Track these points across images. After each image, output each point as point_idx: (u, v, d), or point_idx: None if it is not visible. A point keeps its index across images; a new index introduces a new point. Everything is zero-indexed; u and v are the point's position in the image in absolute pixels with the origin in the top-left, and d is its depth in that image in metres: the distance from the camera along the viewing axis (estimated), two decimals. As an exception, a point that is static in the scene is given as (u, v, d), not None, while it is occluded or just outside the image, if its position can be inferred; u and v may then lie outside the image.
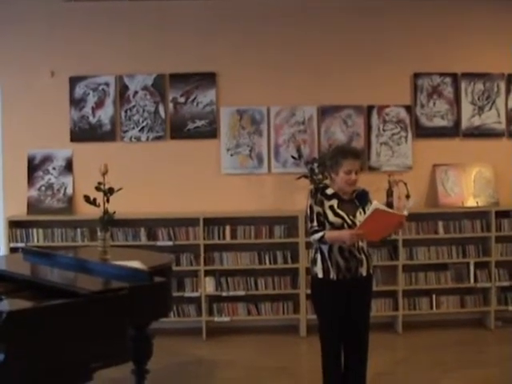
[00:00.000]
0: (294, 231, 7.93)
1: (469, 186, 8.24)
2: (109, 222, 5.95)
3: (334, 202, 5.21)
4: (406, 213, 5.10)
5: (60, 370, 4.09)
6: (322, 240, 5.14)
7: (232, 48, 8.18)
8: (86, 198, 5.91)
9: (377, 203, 5.00)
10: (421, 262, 8.07)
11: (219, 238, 7.91)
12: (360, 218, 5.17)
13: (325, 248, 5.20)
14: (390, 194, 7.91)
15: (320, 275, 5.23)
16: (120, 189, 5.96)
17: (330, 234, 5.12)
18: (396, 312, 8.04)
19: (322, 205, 5.19)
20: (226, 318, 7.96)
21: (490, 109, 8.39)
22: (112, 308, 4.43)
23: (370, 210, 4.92)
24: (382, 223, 4.99)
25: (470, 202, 8.17)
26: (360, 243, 5.24)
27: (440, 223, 8.05)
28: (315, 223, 5.18)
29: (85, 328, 4.23)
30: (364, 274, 5.26)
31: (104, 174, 5.92)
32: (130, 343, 4.68)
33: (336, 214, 5.17)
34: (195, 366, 7.00)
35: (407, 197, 7.82)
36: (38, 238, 7.88)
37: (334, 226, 5.15)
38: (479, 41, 8.31)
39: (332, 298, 5.22)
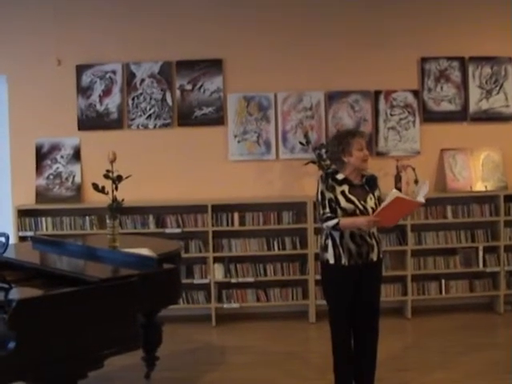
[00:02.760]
0: (303, 217, 7.93)
1: (477, 170, 8.21)
2: (117, 209, 5.96)
3: (345, 188, 5.21)
4: (423, 200, 5.10)
5: (70, 358, 4.12)
6: (336, 227, 5.13)
7: (238, 34, 8.16)
8: (95, 186, 5.93)
9: (396, 191, 5.04)
10: (429, 246, 8.06)
11: (227, 225, 7.91)
12: (371, 203, 5.19)
13: (336, 234, 5.19)
14: (398, 179, 7.91)
15: (331, 261, 5.23)
16: (128, 176, 5.98)
17: (344, 221, 5.10)
18: (405, 297, 8.04)
19: (333, 190, 5.18)
20: (235, 305, 7.97)
21: (498, 92, 8.36)
22: (121, 295, 4.46)
23: (389, 197, 4.91)
24: (398, 210, 5.01)
25: (479, 187, 8.15)
26: (371, 228, 5.24)
27: (448, 208, 8.04)
28: (327, 210, 5.16)
29: (94, 315, 4.27)
30: (374, 259, 5.27)
31: (112, 161, 5.93)
32: (139, 330, 4.70)
33: (348, 200, 5.16)
34: (205, 353, 7.01)
35: (416, 182, 7.81)
36: (46, 226, 7.90)
37: (346, 212, 5.14)
38: (486, 24, 8.26)
39: (343, 283, 5.22)
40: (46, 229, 7.88)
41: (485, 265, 8.09)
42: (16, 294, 4.33)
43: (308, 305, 7.96)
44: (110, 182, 5.96)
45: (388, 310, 7.69)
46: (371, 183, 5.33)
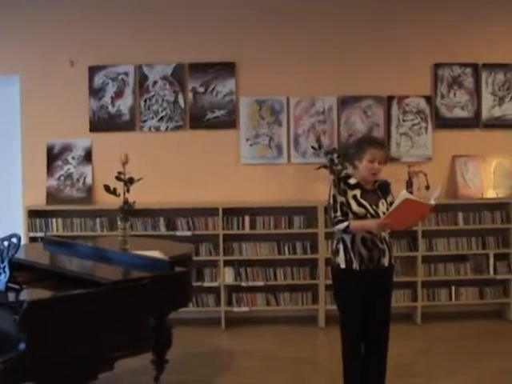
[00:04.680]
0: (314, 221, 7.91)
1: (488, 177, 8.19)
2: (129, 211, 5.95)
3: (357, 192, 5.20)
4: (433, 202, 5.07)
5: (81, 360, 4.11)
6: (346, 230, 5.12)
7: (252, 38, 8.16)
8: (107, 188, 5.90)
9: (406, 192, 4.99)
10: (440, 253, 8.04)
11: (238, 228, 7.90)
12: (382, 208, 5.18)
13: (347, 238, 5.19)
14: (409, 184, 7.88)
15: (342, 266, 5.22)
16: (140, 179, 5.95)
17: (355, 224, 5.10)
18: (415, 303, 8.02)
19: (345, 194, 5.17)
20: (244, 308, 7.97)
21: (511, 99, 8.33)
22: (133, 298, 4.45)
23: (398, 199, 4.89)
24: (409, 213, 4.96)
25: (490, 194, 8.13)
26: (382, 233, 5.23)
27: (460, 214, 8.02)
28: (339, 213, 5.15)
29: (105, 317, 4.26)
30: (386, 264, 5.25)
31: (125, 163, 5.90)
32: (150, 333, 4.69)
33: (359, 204, 5.15)
34: (214, 356, 7.01)
35: (427, 188, 7.79)
36: (57, 227, 7.90)
37: (357, 216, 5.13)
38: (500, 31, 8.24)
39: (354, 288, 5.20)
40: (57, 230, 7.89)
41: (495, 272, 8.07)
42: (27, 295, 4.32)
43: (318, 310, 7.95)
44: (121, 183, 5.95)
45: (398, 315, 7.63)
46: (384, 189, 5.33)
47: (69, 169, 8.16)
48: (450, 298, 8.09)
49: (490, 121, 8.32)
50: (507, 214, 8.02)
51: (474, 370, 6.35)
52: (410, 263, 8.05)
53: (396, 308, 7.37)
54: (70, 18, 8.10)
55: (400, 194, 4.93)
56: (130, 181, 5.90)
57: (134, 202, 5.98)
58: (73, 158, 8.17)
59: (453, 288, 8.07)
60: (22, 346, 3.85)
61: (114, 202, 6.20)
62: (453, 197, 8.19)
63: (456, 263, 8.08)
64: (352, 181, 5.24)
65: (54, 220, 7.91)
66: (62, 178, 8.14)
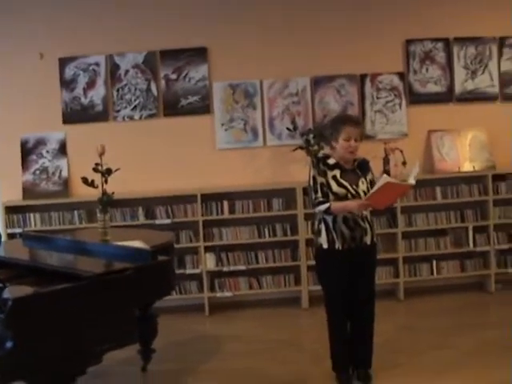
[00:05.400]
0: (292, 203, 7.91)
1: (464, 150, 8.22)
2: (108, 203, 5.91)
3: (337, 172, 5.21)
4: (413, 182, 5.09)
5: (69, 355, 4.09)
6: (328, 211, 5.13)
7: (222, 22, 8.09)
8: (84, 180, 5.87)
9: (386, 176, 5.02)
10: (420, 228, 8.09)
11: (217, 214, 7.89)
12: (363, 187, 5.21)
13: (329, 218, 5.21)
14: (386, 161, 7.88)
15: (325, 246, 5.24)
16: (118, 169, 5.93)
17: (336, 205, 5.12)
18: (397, 279, 8.06)
19: (325, 175, 5.18)
20: (227, 293, 7.97)
21: (483, 72, 8.36)
22: (117, 289, 4.43)
23: (380, 182, 4.92)
24: (389, 193, 5.02)
25: (467, 167, 8.16)
26: (364, 212, 5.25)
27: (437, 189, 8.06)
28: (319, 194, 5.17)
29: (91, 311, 4.24)
30: (368, 242, 5.29)
31: (101, 154, 5.86)
32: (136, 323, 4.67)
33: (339, 184, 5.17)
34: (200, 342, 7.00)
35: (404, 164, 7.80)
36: (35, 222, 7.84)
37: (337, 197, 5.15)
38: (471, 5, 8.24)
39: (338, 267, 5.23)
40: (35, 225, 7.83)
41: (475, 244, 8.13)
42: (10, 292, 4.28)
43: (301, 291, 7.96)
44: (98, 175, 5.90)
45: (380, 292, 7.57)
46: (363, 167, 5.35)
47: (44, 163, 8.09)
48: (432, 273, 8.14)
49: (464, 94, 8.35)
50: (484, 187, 8.06)
51: (458, 343, 6.40)
52: (390, 240, 8.09)
53: (378, 285, 7.34)
54: (38, 10, 8.00)
55: (381, 179, 4.97)
56: (108, 172, 5.87)
57: (113, 193, 5.95)
58: (47, 152, 8.10)
59: (434, 262, 8.12)
60: (9, 344, 3.82)
61: (91, 194, 6.19)
62: (430, 172, 8.22)
63: (436, 237, 8.13)
64: (331, 161, 5.25)
65: (31, 215, 7.86)
66: (38, 172, 8.07)
